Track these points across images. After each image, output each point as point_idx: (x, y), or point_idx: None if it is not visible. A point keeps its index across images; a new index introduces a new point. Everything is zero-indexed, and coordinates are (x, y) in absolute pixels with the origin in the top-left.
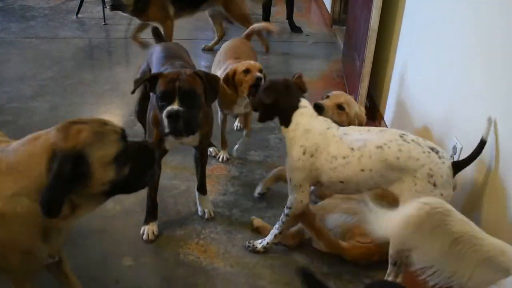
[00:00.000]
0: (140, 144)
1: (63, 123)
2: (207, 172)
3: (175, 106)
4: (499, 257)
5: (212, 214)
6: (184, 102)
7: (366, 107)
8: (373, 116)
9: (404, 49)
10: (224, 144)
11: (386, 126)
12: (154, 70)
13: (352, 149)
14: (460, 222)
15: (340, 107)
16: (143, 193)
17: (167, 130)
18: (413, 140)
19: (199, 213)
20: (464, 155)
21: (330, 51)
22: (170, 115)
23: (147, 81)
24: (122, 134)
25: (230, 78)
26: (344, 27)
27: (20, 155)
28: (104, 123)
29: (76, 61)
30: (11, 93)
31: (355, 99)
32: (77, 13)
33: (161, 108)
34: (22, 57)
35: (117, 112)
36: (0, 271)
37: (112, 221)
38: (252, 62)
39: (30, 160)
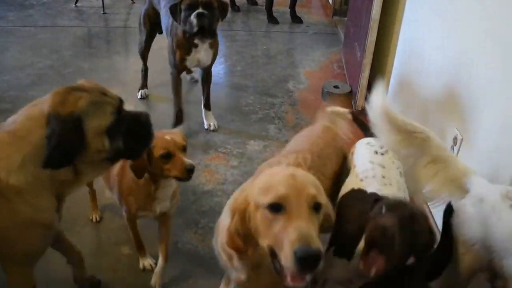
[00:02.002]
0: (135, 116)
1: (63, 88)
2: (206, 161)
3: (201, 10)
4: (462, 178)
5: (216, 127)
6: (206, 9)
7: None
8: None
9: (406, 39)
10: (142, 251)
11: None
12: (162, 3)
13: None
14: (438, 146)
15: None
16: None
17: (196, 28)
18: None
19: (205, 126)
20: (464, 146)
21: (331, 42)
22: (198, 15)
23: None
24: (119, 107)
25: (140, 167)
26: (345, 18)
27: (20, 121)
28: (104, 93)
29: (75, 50)
30: (9, 81)
31: (355, 90)
32: (76, 2)
33: (188, 16)
34: (21, 45)
35: None
36: (10, 257)
37: (110, 209)
38: (166, 136)
39: (29, 124)
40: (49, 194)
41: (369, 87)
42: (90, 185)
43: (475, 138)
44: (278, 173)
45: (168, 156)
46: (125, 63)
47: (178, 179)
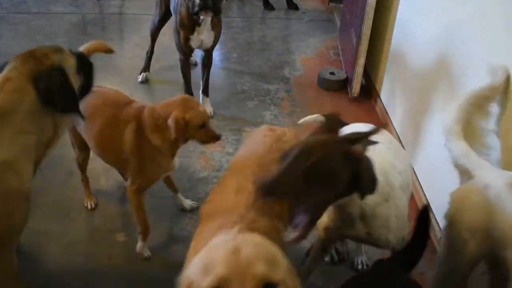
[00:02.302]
0: (80, 53)
1: (23, 55)
2: (201, 148)
3: None
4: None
5: (212, 113)
6: None
7: (362, 86)
8: (369, 93)
9: (402, 25)
10: (145, 235)
11: (382, 104)
12: None
13: None
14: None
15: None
16: None
17: (196, 8)
18: None
19: None
20: None
21: (327, 29)
22: None
23: None
24: (70, 49)
25: (182, 127)
26: (341, 5)
27: (1, 99)
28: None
29: (69, 37)
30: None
31: (351, 77)
32: None
33: None
34: (14, 32)
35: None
36: None
37: (105, 196)
38: (200, 108)
39: (12, 97)
40: (31, 162)
41: (365, 74)
42: (83, 171)
43: None
44: (219, 246)
45: (203, 126)
46: (120, 50)
47: (203, 142)
